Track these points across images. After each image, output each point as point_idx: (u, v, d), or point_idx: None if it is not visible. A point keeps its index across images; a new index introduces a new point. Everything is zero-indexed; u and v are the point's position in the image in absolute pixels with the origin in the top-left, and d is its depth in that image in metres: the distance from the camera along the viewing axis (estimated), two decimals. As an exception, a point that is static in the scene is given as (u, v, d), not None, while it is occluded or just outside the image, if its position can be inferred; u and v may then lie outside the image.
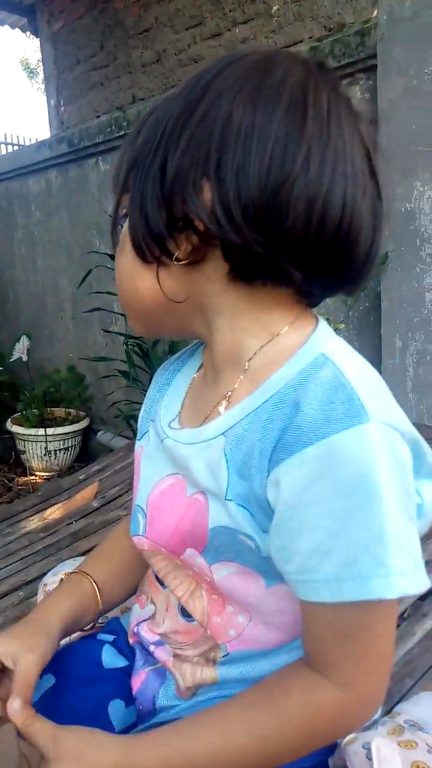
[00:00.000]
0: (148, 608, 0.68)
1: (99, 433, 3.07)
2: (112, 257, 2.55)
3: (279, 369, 0.52)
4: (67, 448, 3.06)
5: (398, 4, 1.60)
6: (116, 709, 0.68)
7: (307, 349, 0.52)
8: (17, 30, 5.90)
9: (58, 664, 0.66)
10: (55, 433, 2.96)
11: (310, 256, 0.49)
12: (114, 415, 2.66)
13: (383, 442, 0.46)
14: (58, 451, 3.03)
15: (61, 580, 0.74)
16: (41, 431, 2.95)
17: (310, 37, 3.18)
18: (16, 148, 10.04)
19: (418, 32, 1.58)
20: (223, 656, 0.59)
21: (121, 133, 2.55)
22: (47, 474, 3.06)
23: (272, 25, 3.35)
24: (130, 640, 0.71)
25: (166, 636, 0.64)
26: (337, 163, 0.48)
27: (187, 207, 0.49)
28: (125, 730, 0.68)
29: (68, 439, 3.04)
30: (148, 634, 0.66)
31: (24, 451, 3.07)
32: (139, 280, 0.55)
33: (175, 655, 0.63)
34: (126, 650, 0.73)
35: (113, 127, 2.59)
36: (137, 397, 2.64)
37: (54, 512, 1.25)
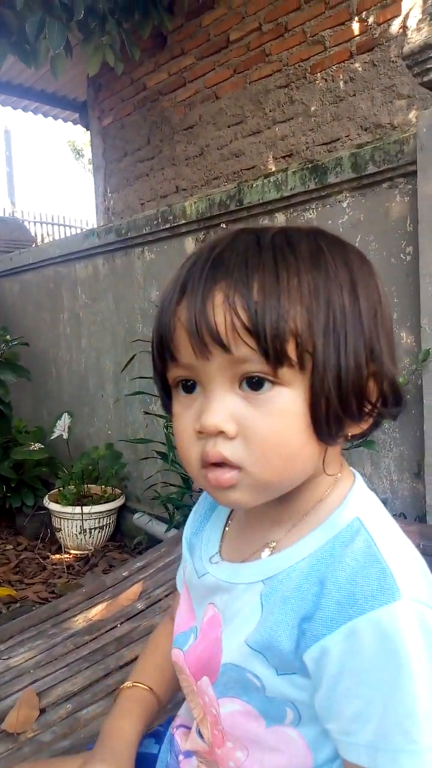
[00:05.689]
0: (188, 711, 0.72)
1: (135, 516, 3.06)
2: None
3: (318, 527, 0.55)
4: (102, 527, 3.06)
5: (437, 118, 1.69)
6: None
7: (343, 511, 0.55)
8: (69, 123, 6.35)
9: None
10: (91, 511, 2.97)
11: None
12: (151, 497, 2.66)
13: (414, 619, 0.48)
14: (93, 530, 3.03)
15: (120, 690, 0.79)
16: (77, 509, 2.96)
17: (347, 136, 3.34)
18: (63, 228, 10.57)
19: (456, 144, 1.66)
20: None
21: (167, 225, 2.68)
22: (80, 552, 3.04)
23: (310, 124, 3.54)
24: (172, 731, 0.75)
25: (192, 750, 0.67)
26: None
27: (375, 390, 0.53)
28: None
29: (103, 517, 3.04)
30: (181, 741, 0.70)
31: (59, 529, 3.08)
32: (300, 459, 0.53)
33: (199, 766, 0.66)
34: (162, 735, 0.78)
35: (159, 220, 2.72)
36: (175, 479, 2.65)
37: (99, 613, 1.25)
